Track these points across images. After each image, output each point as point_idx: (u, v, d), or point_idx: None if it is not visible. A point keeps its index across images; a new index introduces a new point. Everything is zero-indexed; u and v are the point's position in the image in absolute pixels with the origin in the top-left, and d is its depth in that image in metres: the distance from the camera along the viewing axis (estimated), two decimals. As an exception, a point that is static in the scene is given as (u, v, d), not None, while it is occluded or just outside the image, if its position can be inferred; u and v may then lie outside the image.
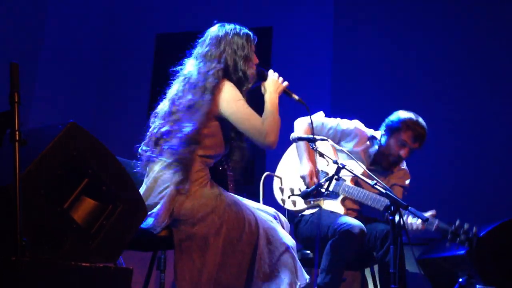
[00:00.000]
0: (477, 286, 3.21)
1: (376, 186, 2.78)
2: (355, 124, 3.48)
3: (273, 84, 2.70)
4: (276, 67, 5.35)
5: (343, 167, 2.92)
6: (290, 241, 2.56)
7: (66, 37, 5.52)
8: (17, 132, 1.67)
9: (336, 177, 2.98)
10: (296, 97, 2.81)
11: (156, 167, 2.49)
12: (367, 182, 2.81)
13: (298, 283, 2.47)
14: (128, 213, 2.13)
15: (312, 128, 3.28)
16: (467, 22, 5.05)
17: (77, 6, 5.66)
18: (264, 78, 2.73)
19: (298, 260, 2.56)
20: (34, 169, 1.84)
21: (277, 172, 3.50)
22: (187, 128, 2.45)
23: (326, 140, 3.24)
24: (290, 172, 3.46)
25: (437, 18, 5.15)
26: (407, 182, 3.50)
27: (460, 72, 4.98)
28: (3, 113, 1.70)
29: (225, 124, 2.57)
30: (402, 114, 3.40)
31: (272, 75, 2.74)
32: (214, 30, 2.67)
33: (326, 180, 3.03)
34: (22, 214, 1.60)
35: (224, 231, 2.43)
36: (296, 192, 3.38)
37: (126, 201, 2.13)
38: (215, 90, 2.50)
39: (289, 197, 3.38)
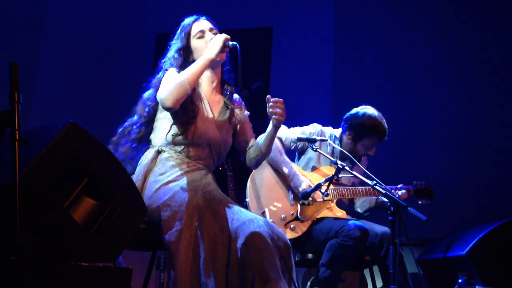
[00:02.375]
0: (477, 287, 3.21)
1: (376, 187, 2.79)
2: (316, 127, 3.46)
3: (210, 46, 2.55)
4: (276, 67, 5.40)
5: (343, 167, 2.93)
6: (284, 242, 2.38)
7: (66, 37, 5.52)
8: (17, 132, 1.67)
9: (336, 177, 2.98)
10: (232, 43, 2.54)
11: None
12: (366, 183, 2.82)
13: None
14: (128, 213, 2.12)
15: (281, 140, 3.31)
16: (468, 22, 5.05)
17: (77, 6, 5.65)
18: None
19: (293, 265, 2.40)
20: (34, 169, 1.84)
21: (255, 208, 3.23)
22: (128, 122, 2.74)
23: (326, 140, 3.25)
24: (272, 201, 3.28)
25: (438, 17, 5.14)
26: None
27: (462, 72, 4.97)
28: (3, 112, 1.70)
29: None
30: (362, 118, 3.38)
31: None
32: None
33: (326, 181, 3.03)
34: (22, 214, 1.60)
35: (186, 237, 2.28)
36: (289, 218, 3.24)
37: (126, 201, 2.13)
38: (159, 81, 2.65)
39: (285, 225, 3.23)
